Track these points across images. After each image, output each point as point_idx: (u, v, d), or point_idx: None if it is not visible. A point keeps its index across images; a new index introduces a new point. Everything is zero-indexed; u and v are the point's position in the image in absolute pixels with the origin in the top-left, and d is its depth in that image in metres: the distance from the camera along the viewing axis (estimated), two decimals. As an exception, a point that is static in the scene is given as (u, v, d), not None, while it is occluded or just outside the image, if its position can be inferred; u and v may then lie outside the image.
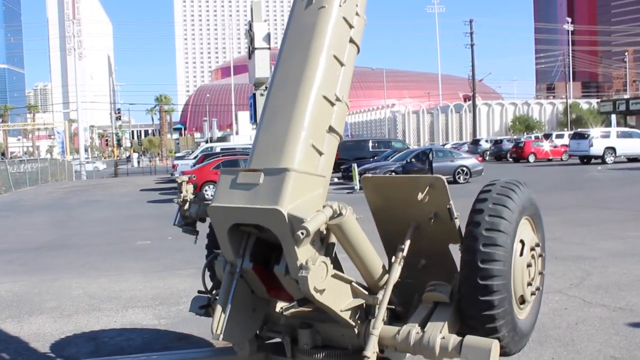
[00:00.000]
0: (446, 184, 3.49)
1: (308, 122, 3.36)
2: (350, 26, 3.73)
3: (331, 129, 3.52)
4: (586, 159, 36.55)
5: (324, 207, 3.09)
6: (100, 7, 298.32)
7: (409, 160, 24.59)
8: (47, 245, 13.00)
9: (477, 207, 3.49)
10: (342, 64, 3.63)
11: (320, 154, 3.40)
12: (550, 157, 42.50)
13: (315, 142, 3.37)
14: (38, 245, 13.02)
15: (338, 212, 3.07)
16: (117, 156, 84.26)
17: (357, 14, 3.81)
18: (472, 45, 65.24)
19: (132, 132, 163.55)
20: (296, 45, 3.61)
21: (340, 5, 3.65)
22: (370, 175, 4.01)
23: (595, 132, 37.40)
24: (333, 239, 3.29)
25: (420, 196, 3.47)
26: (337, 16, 3.62)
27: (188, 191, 3.86)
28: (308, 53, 3.51)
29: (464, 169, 25.01)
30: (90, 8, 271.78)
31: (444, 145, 61.44)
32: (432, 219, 3.56)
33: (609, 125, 54.90)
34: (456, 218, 3.53)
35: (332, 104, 3.52)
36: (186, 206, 3.84)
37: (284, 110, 3.43)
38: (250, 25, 24.81)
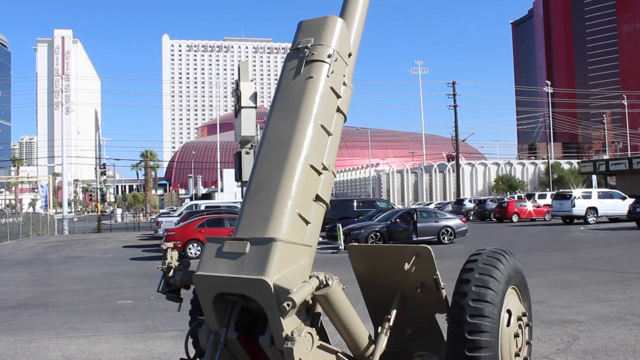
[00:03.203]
0: (432, 253, 3.50)
1: (295, 191, 3.38)
2: (338, 96, 3.80)
3: (318, 198, 3.53)
4: (569, 219, 36.88)
5: (310, 277, 3.08)
6: (90, 63, 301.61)
7: (393, 221, 24.61)
8: (25, 303, 12.71)
9: (463, 276, 3.49)
10: (329, 134, 3.67)
11: (307, 223, 3.41)
12: (534, 217, 42.81)
13: (301, 211, 3.38)
14: (15, 303, 12.72)
15: (324, 282, 3.06)
16: (101, 211, 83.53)
17: (344, 83, 3.89)
18: (455, 107, 66.48)
19: (117, 187, 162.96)
20: (284, 115, 3.66)
21: (327, 76, 3.72)
22: (355, 243, 4.01)
23: (577, 192, 37.85)
24: (319, 309, 3.26)
25: (406, 266, 3.47)
26: (324, 86, 3.69)
27: (173, 258, 3.83)
28: (296, 123, 3.56)
29: (449, 229, 25.05)
30: (79, 64, 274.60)
31: (428, 204, 61.72)
32: (418, 288, 3.55)
33: (590, 185, 55.74)
34: (443, 288, 3.52)
35: (319, 173, 3.55)
36: (171, 273, 3.81)
37: (271, 179, 3.44)
38: (237, 85, 25.22)
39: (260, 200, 3.42)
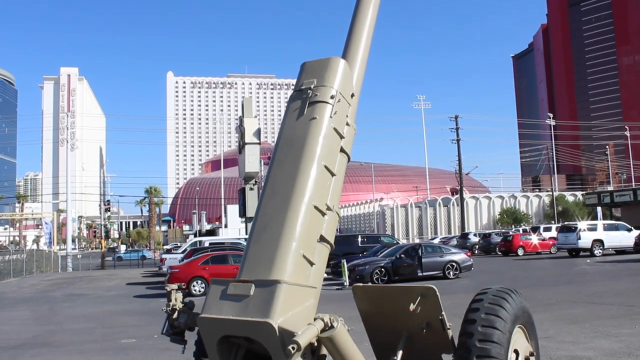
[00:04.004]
0: (437, 293, 3.49)
1: (299, 232, 3.38)
2: (341, 136, 3.82)
3: (322, 239, 3.53)
4: (575, 252, 36.63)
5: (315, 319, 3.06)
6: (95, 100, 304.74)
7: (398, 256, 24.47)
8: (28, 343, 12.61)
9: (469, 316, 3.47)
10: (333, 174, 3.69)
11: (311, 264, 3.40)
12: (539, 250, 42.55)
13: (306, 253, 3.38)
14: (18, 343, 12.63)
15: (329, 324, 3.04)
16: (105, 247, 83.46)
17: (347, 124, 3.92)
18: (458, 141, 66.71)
19: (121, 223, 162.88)
20: (288, 156, 3.69)
21: (331, 117, 3.75)
22: (360, 284, 4.00)
23: (582, 224, 37.68)
24: (324, 350, 3.24)
25: (412, 307, 3.46)
26: (328, 127, 3.72)
27: (177, 299, 3.82)
28: (299, 164, 3.58)
29: (454, 264, 24.89)
30: (85, 101, 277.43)
31: (432, 239, 61.48)
32: (424, 328, 3.53)
33: (595, 217, 55.51)
34: (449, 328, 3.50)
35: (323, 214, 3.56)
36: (175, 315, 3.79)
37: (275, 220, 3.45)
38: (241, 121, 25.39)
39: (265, 241, 3.42)
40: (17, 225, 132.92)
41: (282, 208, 3.46)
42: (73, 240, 76.09)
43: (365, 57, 4.23)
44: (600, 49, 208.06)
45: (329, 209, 3.60)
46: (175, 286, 3.86)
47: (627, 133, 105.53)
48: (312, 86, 3.84)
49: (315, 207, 3.50)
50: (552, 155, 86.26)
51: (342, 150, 3.83)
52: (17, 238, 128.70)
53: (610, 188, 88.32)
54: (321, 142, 3.66)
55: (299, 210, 3.43)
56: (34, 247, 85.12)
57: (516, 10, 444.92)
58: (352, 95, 4.01)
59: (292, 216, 3.41)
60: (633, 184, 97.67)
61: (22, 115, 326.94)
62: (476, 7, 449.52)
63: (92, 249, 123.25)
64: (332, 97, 3.78)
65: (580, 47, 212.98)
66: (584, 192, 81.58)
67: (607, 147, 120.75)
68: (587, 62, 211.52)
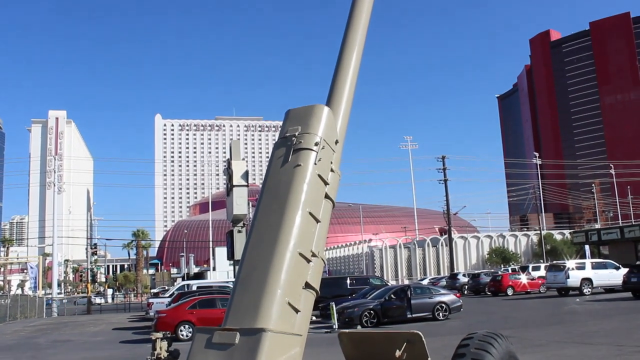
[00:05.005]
0: (423, 339, 3.48)
1: (284, 280, 3.39)
2: (326, 183, 3.86)
3: (307, 285, 3.54)
4: (564, 291, 36.57)
5: (300, 367, 3.05)
6: (83, 143, 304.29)
7: (387, 298, 24.34)
8: (11, 394, 12.32)
9: (455, 362, 3.46)
10: (317, 221, 3.71)
11: (297, 311, 3.40)
12: (529, 290, 42.46)
13: (291, 300, 3.38)
14: (1, 394, 12.33)
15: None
16: (91, 291, 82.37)
17: (332, 170, 3.96)
18: (445, 181, 67.09)
19: (108, 266, 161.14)
20: (273, 203, 3.71)
21: (315, 164, 3.79)
22: (346, 330, 3.99)
23: (570, 263, 37.69)
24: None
25: (398, 353, 3.45)
26: (312, 174, 3.76)
27: (162, 348, 3.79)
28: (284, 211, 3.60)
29: (443, 305, 24.75)
30: (72, 144, 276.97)
31: (421, 279, 61.25)
32: (410, 375, 3.51)
33: (583, 255, 55.59)
34: (435, 375, 3.49)
35: (308, 261, 3.57)
36: (160, 364, 3.75)
37: (260, 267, 3.46)
38: (229, 163, 25.46)
39: (250, 289, 3.42)
40: (2, 269, 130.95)
41: (267, 255, 3.47)
42: (59, 285, 75.01)
43: (349, 104, 4.30)
44: (583, 89, 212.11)
45: (314, 255, 3.61)
46: (160, 335, 3.83)
47: (612, 171, 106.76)
48: (296, 133, 3.89)
49: (301, 254, 3.51)
50: (539, 194, 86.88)
51: (326, 196, 3.87)
52: (1, 283, 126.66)
53: (597, 226, 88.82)
54: (306, 189, 3.69)
55: (284, 257, 3.44)
56: (19, 291, 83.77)
57: (500, 52, 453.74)
58: (337, 142, 4.06)
59: (277, 263, 3.42)
60: (620, 221, 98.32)
61: (9, 158, 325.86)
62: (462, 49, 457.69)
63: (78, 293, 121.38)
64: (316, 144, 3.83)
65: (563, 87, 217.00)
66: (572, 231, 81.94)
67: (593, 185, 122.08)
68: (570, 102, 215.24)
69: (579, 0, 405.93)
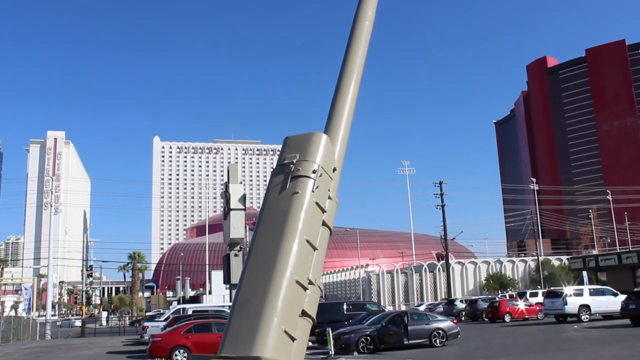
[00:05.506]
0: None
1: (281, 307, 3.38)
2: (323, 210, 3.87)
3: (304, 313, 3.53)
4: (562, 318, 36.42)
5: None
6: (81, 164, 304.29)
7: (384, 324, 24.18)
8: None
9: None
10: (315, 248, 3.71)
11: (293, 339, 3.39)
12: (526, 316, 42.26)
13: (287, 328, 3.37)
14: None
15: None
16: (86, 314, 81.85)
17: (329, 197, 3.97)
18: (442, 206, 67.11)
19: (103, 289, 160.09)
20: (270, 230, 3.72)
21: (313, 191, 3.80)
22: (341, 357, 3.97)
23: (568, 290, 37.60)
24: None
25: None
26: (310, 202, 3.77)
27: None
28: (281, 238, 3.61)
29: (440, 331, 24.59)
30: (70, 165, 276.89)
31: (419, 305, 60.95)
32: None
33: (581, 281, 55.43)
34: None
35: (305, 289, 3.56)
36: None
37: (256, 294, 3.45)
38: (227, 187, 25.45)
39: (246, 316, 3.41)
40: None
41: (264, 283, 3.47)
42: (53, 307, 74.45)
43: (347, 131, 4.32)
44: (579, 115, 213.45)
45: (310, 283, 3.60)
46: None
47: (609, 197, 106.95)
48: (294, 161, 3.90)
49: (297, 282, 3.51)
50: (537, 219, 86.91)
51: (324, 223, 3.87)
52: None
53: (595, 252, 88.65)
54: (303, 217, 3.70)
55: (280, 285, 3.44)
56: (12, 313, 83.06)
57: (497, 78, 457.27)
58: (334, 169, 4.08)
59: (274, 291, 3.41)
60: (617, 247, 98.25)
61: (6, 178, 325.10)
62: (460, 75, 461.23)
63: (72, 315, 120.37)
64: (314, 172, 3.85)
65: (560, 113, 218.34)
66: (569, 257, 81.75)
67: (590, 211, 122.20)
68: (567, 128, 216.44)
69: (575, 27, 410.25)
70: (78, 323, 73.63)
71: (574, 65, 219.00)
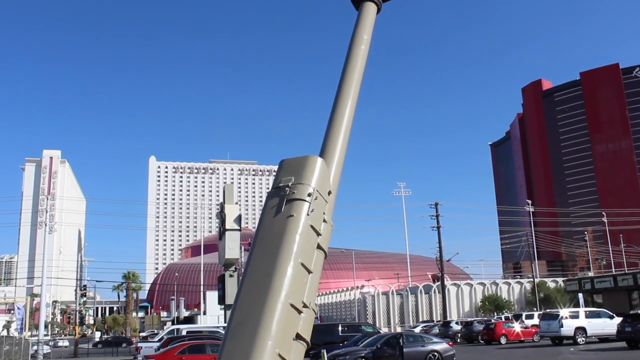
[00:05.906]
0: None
1: (275, 331, 3.38)
2: (318, 234, 3.88)
3: (298, 337, 3.52)
4: (558, 340, 36.31)
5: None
6: (76, 183, 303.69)
7: (379, 346, 24.10)
8: None
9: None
10: (309, 271, 3.72)
11: (287, 363, 3.39)
12: (522, 339, 42.10)
13: (281, 352, 3.36)
14: None
15: None
16: (79, 334, 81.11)
17: (324, 220, 3.99)
18: (438, 228, 67.10)
19: (97, 308, 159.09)
20: (264, 253, 3.73)
21: (308, 215, 3.82)
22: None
23: (564, 312, 37.55)
24: None
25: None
26: (304, 225, 3.79)
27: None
28: (276, 261, 3.62)
29: (436, 354, 24.52)
30: (66, 184, 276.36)
31: (414, 327, 60.68)
32: None
33: (577, 303, 55.36)
34: None
35: (300, 312, 3.57)
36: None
37: (251, 318, 3.45)
38: (222, 207, 25.49)
39: (241, 339, 3.41)
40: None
41: (258, 306, 3.47)
42: (46, 326, 73.73)
43: (342, 154, 4.35)
44: (574, 137, 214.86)
45: (305, 306, 3.60)
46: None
47: (605, 219, 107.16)
48: (289, 184, 3.93)
49: (292, 305, 3.51)
50: (532, 241, 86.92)
51: (319, 247, 3.88)
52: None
53: (590, 274, 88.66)
54: (298, 240, 3.71)
55: (275, 308, 3.44)
56: (4, 333, 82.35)
57: (493, 100, 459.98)
58: (329, 193, 4.10)
59: (268, 314, 3.42)
60: (613, 269, 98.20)
61: (0, 197, 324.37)
62: (455, 97, 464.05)
63: (65, 335, 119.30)
64: (309, 195, 3.87)
65: (555, 135, 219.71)
66: (565, 279, 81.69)
67: (585, 233, 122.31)
68: (562, 150, 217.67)
69: (569, 50, 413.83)
70: (62, 343, 73.26)
71: (568, 88, 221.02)
